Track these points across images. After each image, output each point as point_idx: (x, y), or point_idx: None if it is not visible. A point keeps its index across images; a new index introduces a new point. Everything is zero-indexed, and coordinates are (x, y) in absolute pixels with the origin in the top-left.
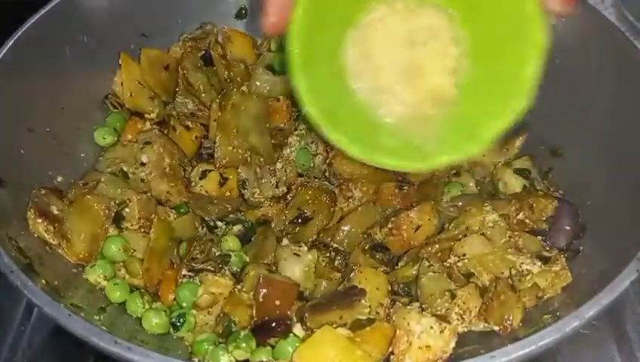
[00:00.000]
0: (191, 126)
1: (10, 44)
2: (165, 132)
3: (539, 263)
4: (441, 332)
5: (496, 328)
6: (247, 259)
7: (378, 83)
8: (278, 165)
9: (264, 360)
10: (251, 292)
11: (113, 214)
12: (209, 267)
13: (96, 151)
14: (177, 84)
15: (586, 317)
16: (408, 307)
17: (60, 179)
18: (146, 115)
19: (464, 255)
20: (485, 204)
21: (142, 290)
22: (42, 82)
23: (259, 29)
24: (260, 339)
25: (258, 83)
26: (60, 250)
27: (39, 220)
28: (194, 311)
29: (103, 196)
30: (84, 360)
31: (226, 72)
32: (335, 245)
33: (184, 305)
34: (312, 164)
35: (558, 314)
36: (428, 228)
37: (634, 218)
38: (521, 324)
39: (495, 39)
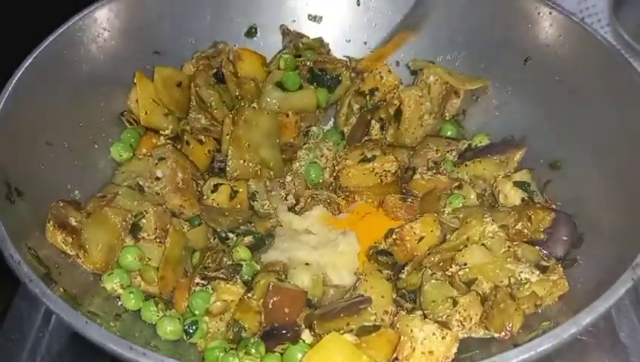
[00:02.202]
0: (204, 140)
1: (30, 61)
2: (179, 146)
3: (537, 272)
4: (443, 338)
5: (496, 335)
6: (258, 268)
7: None
8: (288, 178)
9: None
10: (261, 300)
11: (130, 225)
12: (221, 275)
13: (113, 164)
14: (190, 100)
15: (583, 324)
16: (411, 315)
17: (77, 192)
18: (160, 131)
19: (465, 264)
20: (485, 216)
21: (156, 298)
22: (60, 98)
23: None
24: (269, 345)
25: (268, 99)
26: (77, 260)
27: (58, 231)
28: (206, 318)
29: (120, 208)
30: None
31: (237, 89)
32: None
33: (197, 312)
34: (321, 179)
35: (555, 321)
36: (430, 239)
37: (629, 228)
38: (520, 331)
39: None
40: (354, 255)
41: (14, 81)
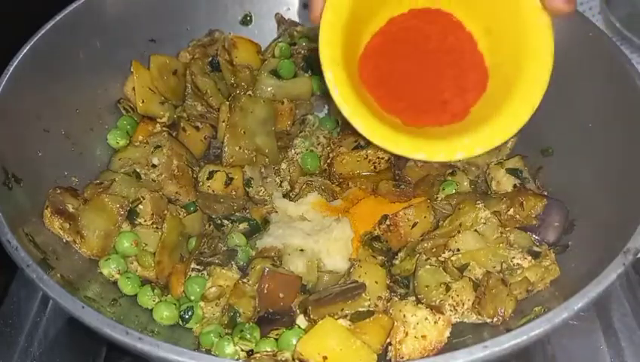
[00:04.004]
0: (200, 126)
1: (27, 48)
2: (175, 133)
3: (529, 258)
4: (436, 322)
5: (488, 320)
6: (253, 254)
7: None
8: (283, 165)
9: (268, 350)
10: (256, 285)
11: (126, 212)
12: (216, 261)
13: (109, 151)
14: (186, 88)
15: (575, 308)
16: (404, 300)
17: (74, 178)
18: (157, 119)
19: (458, 250)
20: (478, 202)
21: (152, 283)
22: (57, 85)
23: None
24: (264, 330)
25: (263, 87)
26: (74, 246)
27: (55, 218)
28: (202, 304)
29: (117, 195)
30: (97, 350)
31: (233, 77)
32: None
33: (192, 298)
34: (318, 170)
35: (547, 306)
36: (424, 225)
37: (620, 213)
38: (512, 316)
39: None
40: (347, 241)
41: (12, 68)
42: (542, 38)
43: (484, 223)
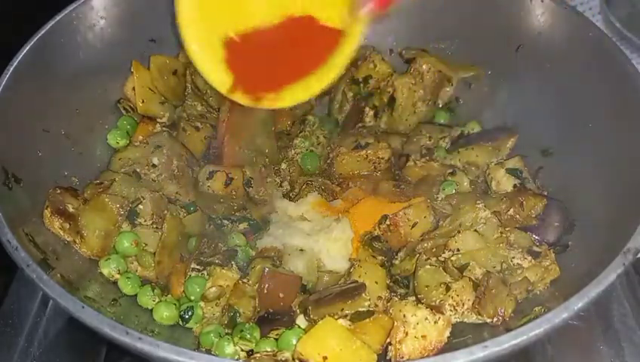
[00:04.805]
0: (200, 127)
1: (27, 49)
2: (175, 133)
3: (529, 258)
4: (436, 322)
5: (488, 320)
6: (253, 254)
7: None
8: (283, 165)
9: (268, 350)
10: (256, 285)
11: (126, 212)
12: (217, 261)
13: (109, 151)
14: (186, 87)
15: (575, 308)
16: (404, 300)
17: (74, 178)
18: (157, 119)
19: (458, 250)
20: (478, 202)
21: (152, 283)
22: (57, 86)
23: None
24: (264, 330)
25: None
26: (74, 246)
27: (55, 218)
28: (202, 304)
29: (117, 195)
30: (97, 350)
31: None
32: None
33: (192, 298)
34: (317, 171)
35: (547, 306)
36: (424, 225)
37: (620, 213)
38: (512, 315)
39: None
40: (347, 241)
41: (12, 69)
42: None
43: (484, 223)
